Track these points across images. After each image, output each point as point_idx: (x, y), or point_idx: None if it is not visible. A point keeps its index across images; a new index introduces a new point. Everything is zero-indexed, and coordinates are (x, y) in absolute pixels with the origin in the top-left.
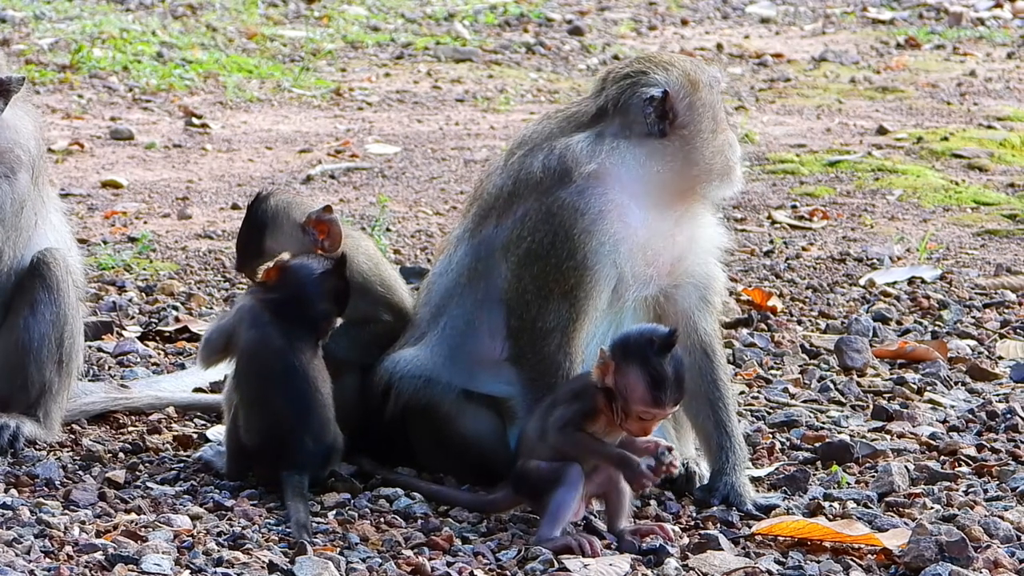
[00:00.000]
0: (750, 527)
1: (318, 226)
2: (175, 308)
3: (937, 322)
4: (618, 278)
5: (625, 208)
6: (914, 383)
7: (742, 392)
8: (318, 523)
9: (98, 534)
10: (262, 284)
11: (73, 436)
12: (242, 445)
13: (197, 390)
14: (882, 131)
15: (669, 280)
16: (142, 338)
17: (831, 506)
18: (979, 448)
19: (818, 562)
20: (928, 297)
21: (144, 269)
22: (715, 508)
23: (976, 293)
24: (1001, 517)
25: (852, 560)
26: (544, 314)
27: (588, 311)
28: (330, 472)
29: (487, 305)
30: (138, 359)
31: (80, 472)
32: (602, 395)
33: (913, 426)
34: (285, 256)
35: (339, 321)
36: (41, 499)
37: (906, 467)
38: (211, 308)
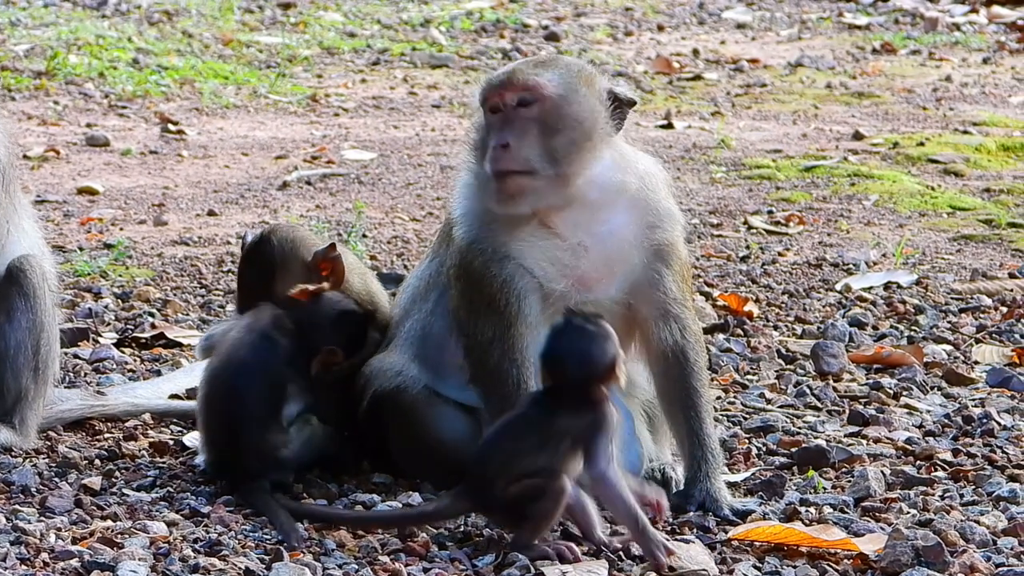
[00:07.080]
0: (727, 532)
1: (323, 264)
2: (151, 315)
3: (913, 327)
4: (532, 280)
5: (492, 220)
6: (890, 388)
7: (719, 397)
8: None
9: (74, 541)
10: (289, 300)
11: (49, 443)
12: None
13: (173, 397)
14: (858, 136)
15: (607, 283)
16: (118, 345)
17: (807, 511)
18: (955, 453)
19: (794, 567)
20: (904, 302)
21: (120, 275)
22: (691, 514)
23: (952, 298)
24: (977, 522)
25: (828, 565)
26: (481, 327)
27: (519, 316)
28: (304, 480)
29: (441, 315)
30: (114, 366)
31: (56, 479)
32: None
33: (889, 431)
34: (325, 285)
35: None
36: (17, 506)
37: (882, 472)
38: (187, 314)
